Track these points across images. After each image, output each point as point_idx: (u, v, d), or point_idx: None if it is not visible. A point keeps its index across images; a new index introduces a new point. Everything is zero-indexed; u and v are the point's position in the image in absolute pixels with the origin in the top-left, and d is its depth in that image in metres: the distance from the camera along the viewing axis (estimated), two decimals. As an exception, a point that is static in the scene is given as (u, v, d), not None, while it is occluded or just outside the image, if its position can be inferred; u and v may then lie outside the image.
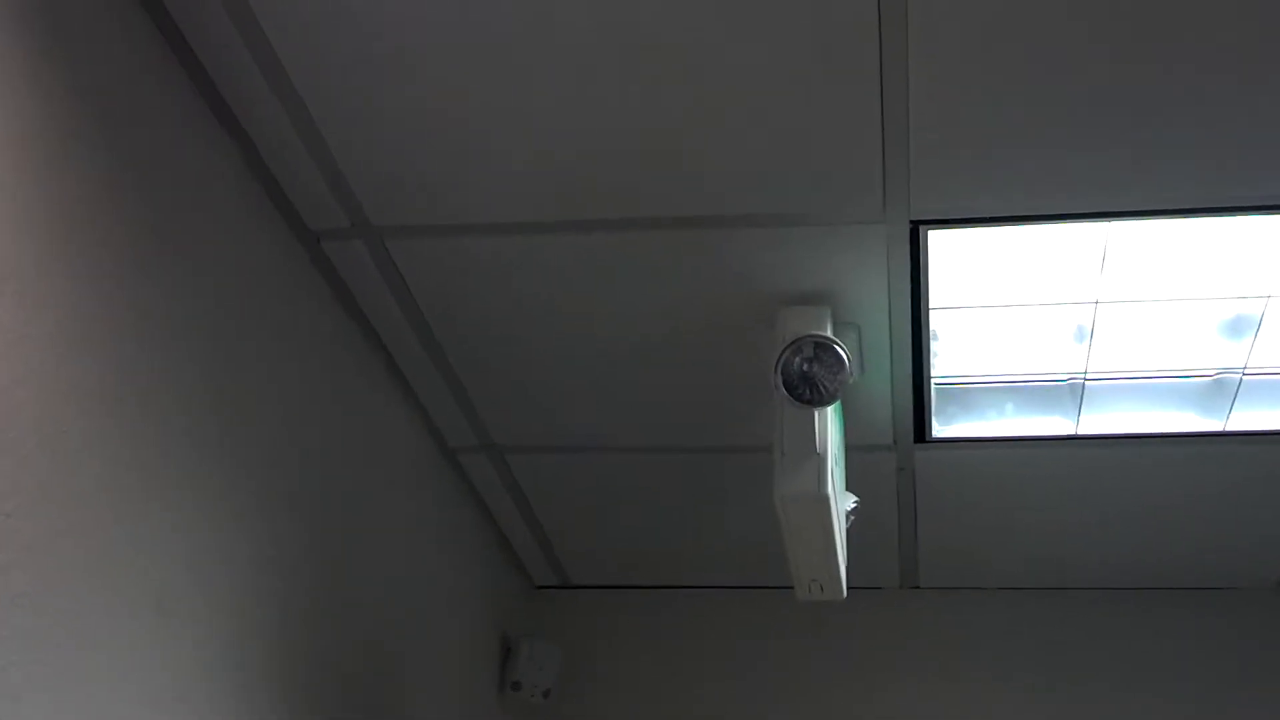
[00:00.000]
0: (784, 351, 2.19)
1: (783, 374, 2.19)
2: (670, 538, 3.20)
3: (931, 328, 2.41)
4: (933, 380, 2.55)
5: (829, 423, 2.24)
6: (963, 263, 2.29)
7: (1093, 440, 2.67)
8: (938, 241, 2.22)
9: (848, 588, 3.25)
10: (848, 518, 2.56)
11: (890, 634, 3.30)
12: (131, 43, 1.83)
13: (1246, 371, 2.46)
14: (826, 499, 2.18)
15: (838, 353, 2.19)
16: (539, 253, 2.27)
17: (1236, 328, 2.37)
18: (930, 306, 2.36)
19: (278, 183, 2.15)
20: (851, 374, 2.19)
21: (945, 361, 2.52)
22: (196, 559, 1.98)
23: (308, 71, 1.93)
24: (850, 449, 2.70)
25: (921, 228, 2.18)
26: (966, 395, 2.62)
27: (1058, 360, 2.48)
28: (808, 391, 2.19)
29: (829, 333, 2.23)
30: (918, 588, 3.32)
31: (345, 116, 2.02)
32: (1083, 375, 2.52)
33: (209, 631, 2.00)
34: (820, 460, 2.20)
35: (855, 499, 2.58)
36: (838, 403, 2.43)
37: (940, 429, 2.69)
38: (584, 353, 2.52)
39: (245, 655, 2.09)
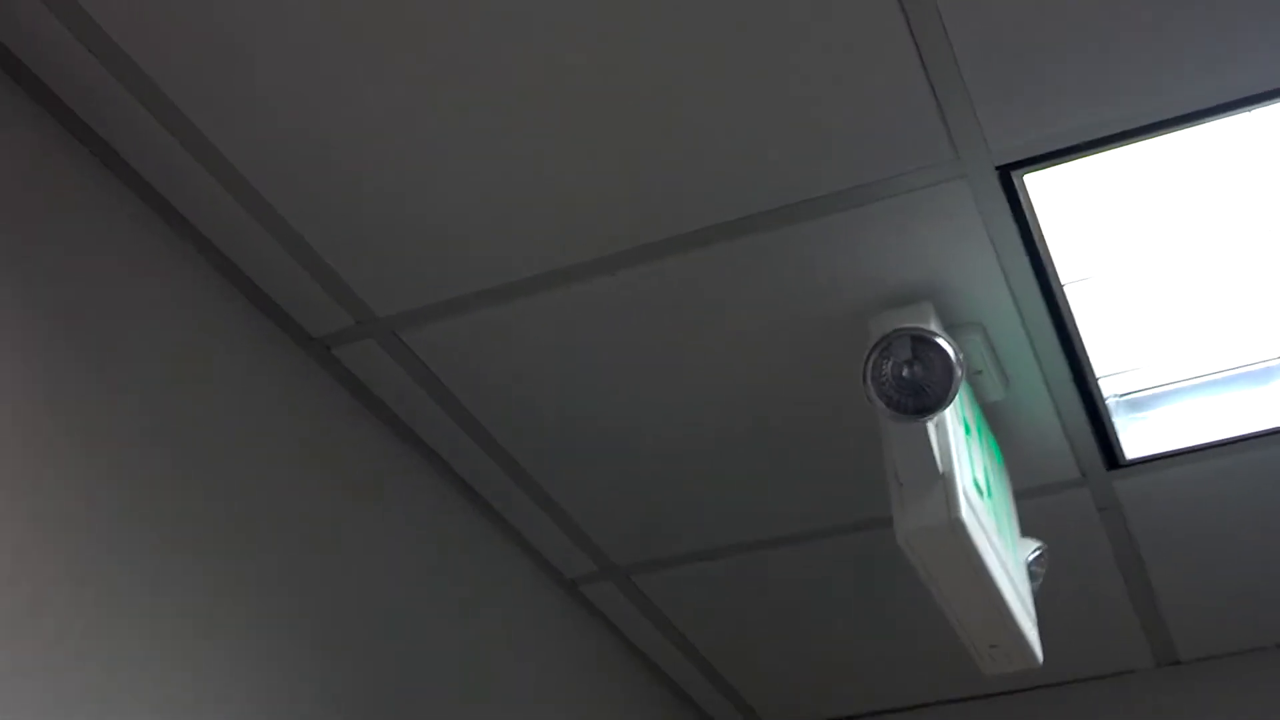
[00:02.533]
0: (870, 357, 1.77)
1: (874, 384, 1.76)
2: (863, 645, 2.70)
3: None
4: (1100, 382, 2.05)
5: (953, 437, 1.79)
6: (1084, 216, 1.84)
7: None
8: (1041, 190, 1.78)
9: (1094, 679, 2.76)
10: (1033, 572, 2.07)
11: (1156, 726, 2.70)
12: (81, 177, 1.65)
13: None
14: (962, 524, 1.71)
15: (937, 344, 1.74)
16: (572, 307, 1.92)
17: None
18: (1062, 281, 1.90)
19: (269, 297, 1.89)
20: (961, 368, 1.74)
21: (1104, 355, 2.03)
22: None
23: (272, 177, 1.72)
24: (1030, 493, 2.22)
25: (1013, 174, 1.75)
26: (1137, 394, 2.11)
27: (1244, 317, 1.96)
28: (911, 400, 1.75)
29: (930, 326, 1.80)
30: (1177, 663, 2.72)
31: (320, 212, 1.76)
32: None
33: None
34: (947, 481, 1.75)
35: (1038, 544, 2.10)
36: (980, 420, 1.98)
37: (1131, 446, 2.17)
38: (669, 424, 2.13)
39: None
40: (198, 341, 1.76)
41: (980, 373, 1.98)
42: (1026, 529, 2.17)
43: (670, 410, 2.10)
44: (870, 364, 1.75)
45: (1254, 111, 1.67)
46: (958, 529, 1.72)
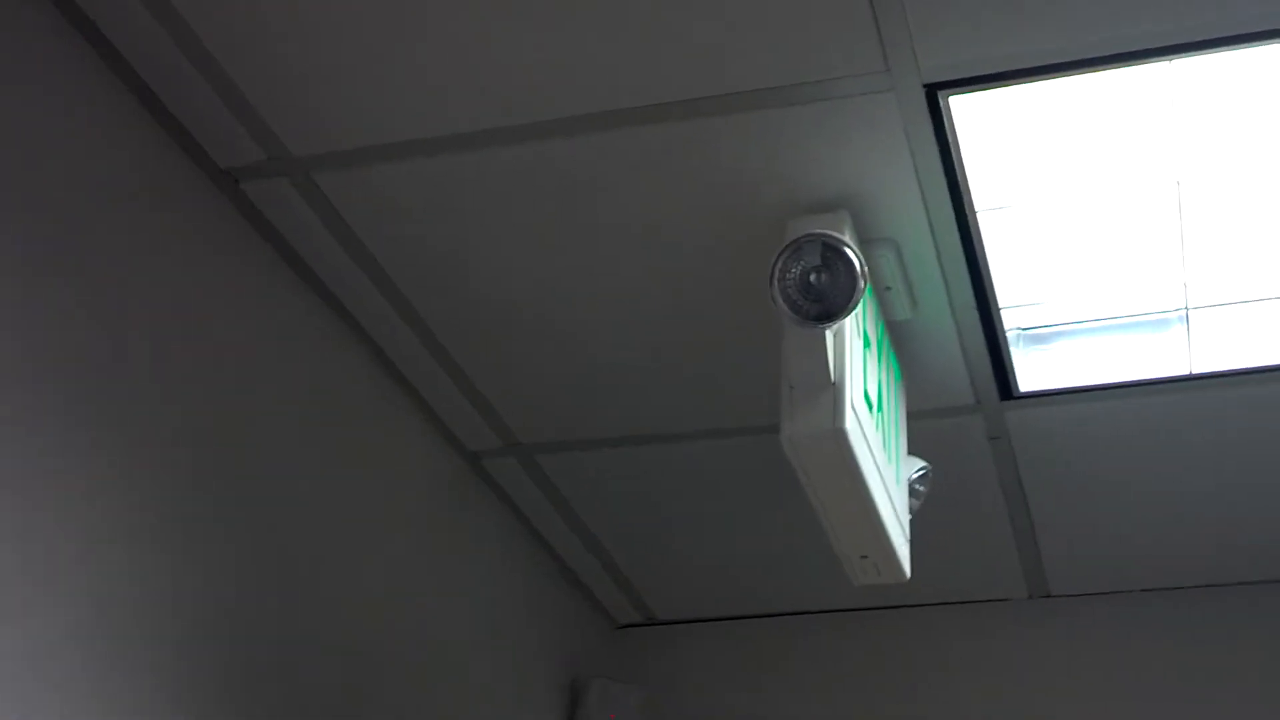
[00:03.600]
0: (780, 258, 1.79)
1: (780, 286, 1.78)
2: (761, 548, 2.74)
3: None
4: (1003, 312, 2.09)
5: (849, 348, 1.82)
6: (1005, 146, 1.86)
7: (1214, 379, 2.15)
8: (966, 114, 1.79)
9: (970, 603, 2.83)
10: (915, 490, 2.12)
11: (1021, 654, 2.78)
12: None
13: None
14: (845, 434, 1.75)
15: (845, 254, 1.77)
16: (498, 171, 1.92)
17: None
18: (977, 208, 1.93)
19: (179, 122, 1.86)
20: (864, 280, 1.76)
21: (1010, 286, 2.06)
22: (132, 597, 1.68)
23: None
24: (925, 415, 2.26)
25: (940, 93, 1.76)
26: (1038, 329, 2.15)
27: (1149, 265, 2.00)
28: (813, 305, 1.77)
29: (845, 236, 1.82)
30: (1049, 596, 2.80)
31: (243, 42, 1.74)
32: (1183, 295, 2.03)
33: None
34: (836, 391, 1.78)
35: (924, 465, 2.15)
36: (882, 337, 2.01)
37: (1027, 379, 2.21)
38: (587, 307, 2.15)
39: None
40: (99, 157, 1.73)
41: (890, 289, 2.01)
42: (918, 450, 2.21)
43: (590, 293, 2.12)
44: (779, 265, 1.77)
45: (1181, 60, 1.70)
46: (840, 438, 1.76)
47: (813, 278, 1.79)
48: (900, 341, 2.14)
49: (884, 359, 2.03)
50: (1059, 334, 2.16)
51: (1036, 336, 2.17)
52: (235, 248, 1.96)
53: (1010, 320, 2.11)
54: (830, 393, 1.78)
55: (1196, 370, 2.11)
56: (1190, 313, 2.04)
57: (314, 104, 1.82)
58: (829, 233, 1.79)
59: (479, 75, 1.78)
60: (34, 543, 1.57)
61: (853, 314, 1.78)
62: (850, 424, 1.77)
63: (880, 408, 1.96)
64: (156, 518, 1.76)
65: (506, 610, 2.66)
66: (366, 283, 2.10)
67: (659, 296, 2.12)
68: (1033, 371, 2.19)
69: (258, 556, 1.95)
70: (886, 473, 1.94)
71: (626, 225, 1.99)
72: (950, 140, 1.82)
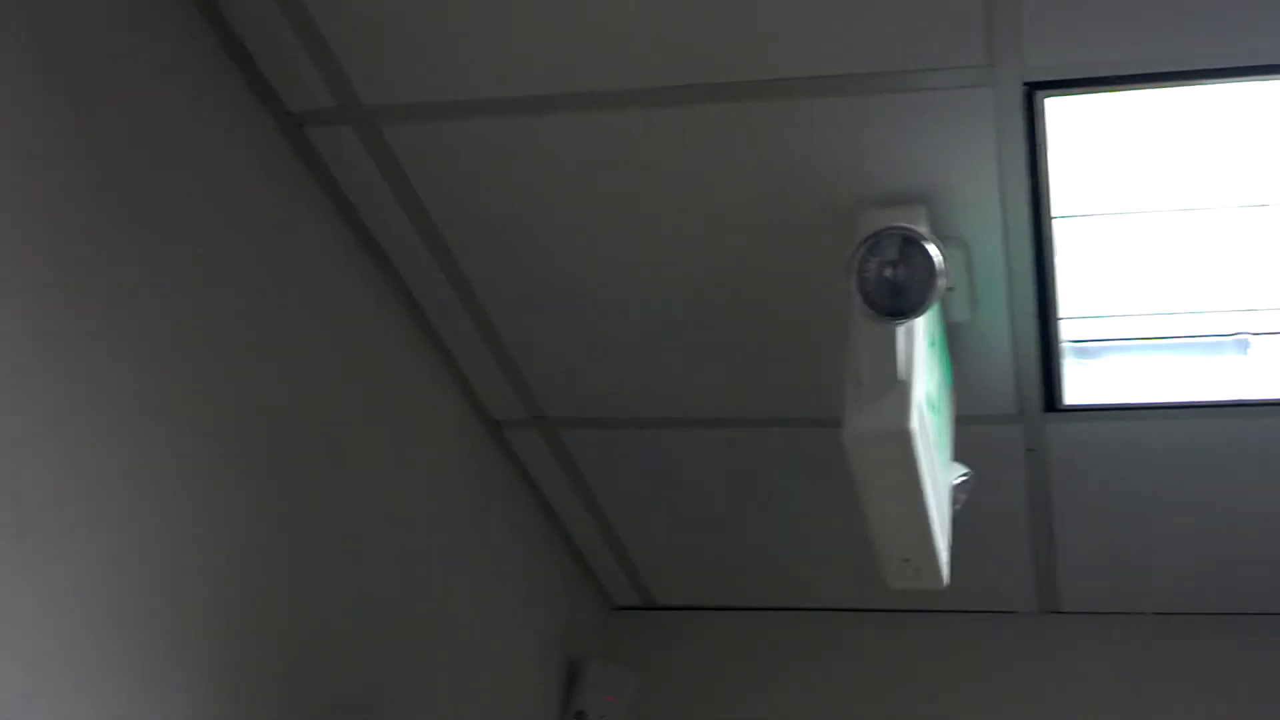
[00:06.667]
0: (860, 250, 1.74)
1: (858, 279, 1.73)
2: (769, 542, 2.70)
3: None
4: (1060, 323, 2.05)
5: (918, 347, 1.77)
6: (1090, 153, 1.82)
7: (1272, 406, 2.12)
8: (1059, 116, 1.75)
9: (975, 613, 2.80)
10: (955, 497, 2.08)
11: (1023, 671, 2.75)
12: None
13: None
14: (909, 435, 1.71)
15: (926, 249, 1.72)
16: (566, 136, 1.86)
17: None
18: (1054, 215, 1.88)
19: (252, 59, 1.79)
20: (943, 278, 1.72)
21: (1069, 296, 2.02)
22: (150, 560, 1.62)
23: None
24: (964, 420, 2.21)
25: (1037, 93, 1.71)
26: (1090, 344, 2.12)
27: (1214, 285, 1.97)
28: (890, 300, 1.73)
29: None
30: (1059, 612, 2.77)
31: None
32: (1247, 319, 2.00)
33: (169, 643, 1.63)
34: (904, 389, 1.73)
35: (965, 470, 2.10)
36: (942, 337, 1.97)
37: (1073, 391, 2.17)
38: (634, 284, 2.09)
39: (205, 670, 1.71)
40: (166, 91, 1.66)
41: (953, 290, 1.97)
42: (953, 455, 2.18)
43: (639, 270, 2.07)
44: (858, 257, 1.73)
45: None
46: (905, 438, 1.72)
47: (888, 272, 1.75)
48: (953, 343, 2.09)
49: (942, 361, 1.99)
50: (1110, 349, 2.12)
51: (1087, 350, 2.13)
52: (290, 193, 1.90)
53: (1065, 331, 2.07)
54: (898, 391, 1.74)
55: (1254, 396, 2.08)
56: (1253, 338, 2.01)
57: (390, 54, 1.76)
58: (910, 226, 1.74)
59: (558, 39, 1.72)
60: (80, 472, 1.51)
61: (926, 312, 1.74)
62: (916, 424, 1.72)
63: (938, 410, 1.92)
64: (188, 458, 1.70)
65: (509, 583, 2.61)
66: (416, 239, 2.04)
67: (711, 280, 2.07)
68: (1079, 385, 2.15)
69: (282, 503, 1.89)
70: (939, 477, 1.90)
71: (687, 204, 1.94)
72: (1039, 142, 1.77)
